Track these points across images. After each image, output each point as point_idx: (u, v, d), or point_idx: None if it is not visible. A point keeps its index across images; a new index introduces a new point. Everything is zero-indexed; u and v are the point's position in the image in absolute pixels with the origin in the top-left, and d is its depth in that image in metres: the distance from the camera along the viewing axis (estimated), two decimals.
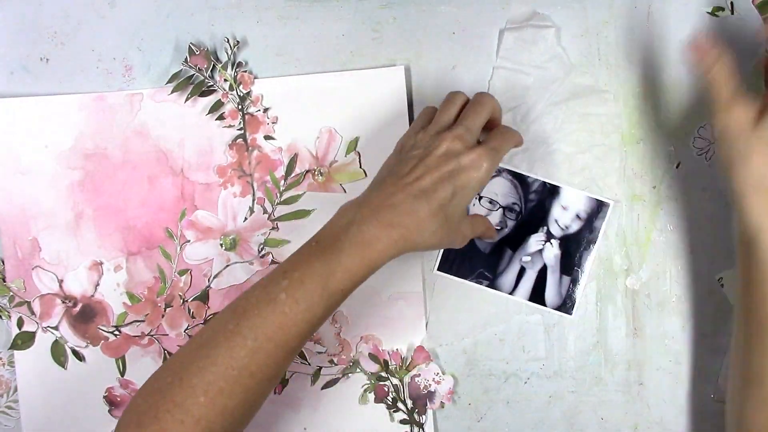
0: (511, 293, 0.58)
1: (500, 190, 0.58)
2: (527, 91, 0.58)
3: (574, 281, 0.58)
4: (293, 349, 0.45)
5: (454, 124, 0.50)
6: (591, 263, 0.58)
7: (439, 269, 0.59)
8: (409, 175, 0.48)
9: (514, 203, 0.58)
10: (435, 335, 0.59)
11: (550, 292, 0.58)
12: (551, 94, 0.58)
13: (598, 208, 0.57)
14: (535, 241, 0.58)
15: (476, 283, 0.58)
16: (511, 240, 0.58)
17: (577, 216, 0.58)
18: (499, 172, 0.58)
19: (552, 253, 0.58)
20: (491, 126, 0.53)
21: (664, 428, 0.58)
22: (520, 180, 0.58)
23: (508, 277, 0.58)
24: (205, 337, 0.45)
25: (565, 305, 0.58)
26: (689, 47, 0.49)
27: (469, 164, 0.48)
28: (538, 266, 0.58)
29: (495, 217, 0.58)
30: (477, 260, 0.58)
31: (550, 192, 0.58)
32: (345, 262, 0.45)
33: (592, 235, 0.58)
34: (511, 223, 0.58)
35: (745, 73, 0.57)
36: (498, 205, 0.58)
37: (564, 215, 0.58)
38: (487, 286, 0.58)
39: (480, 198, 0.58)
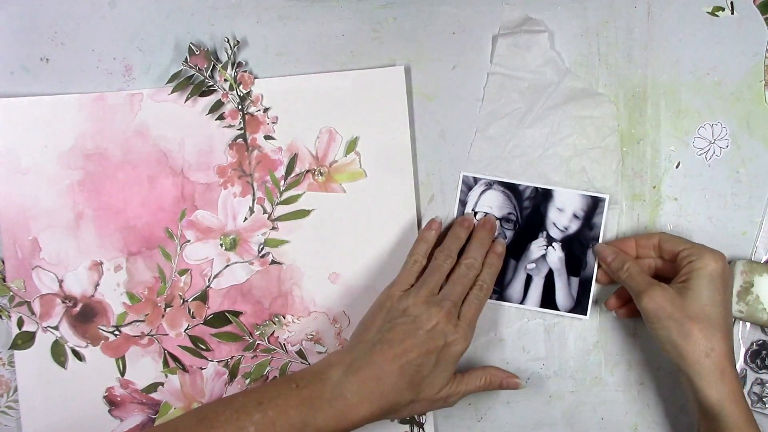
0: (521, 303, 0.58)
1: (494, 202, 0.58)
2: (522, 96, 0.58)
3: (585, 281, 0.58)
4: None
5: (440, 291, 0.53)
6: (595, 261, 0.57)
7: None
8: (398, 345, 0.49)
9: (509, 213, 0.58)
10: None
11: (561, 296, 0.58)
12: (546, 99, 0.58)
13: (595, 205, 0.57)
14: (536, 247, 0.58)
15: None
16: (512, 250, 0.58)
17: (575, 215, 0.58)
18: (490, 184, 0.58)
19: (556, 256, 0.58)
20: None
21: (664, 428, 0.58)
22: (511, 189, 0.58)
23: (516, 288, 0.58)
24: None
25: (578, 307, 0.58)
26: (598, 257, 0.56)
27: (453, 341, 0.51)
28: (544, 272, 0.58)
29: None
30: None
31: (544, 196, 0.58)
32: (319, 422, 0.47)
33: (592, 233, 0.58)
34: (509, 234, 0.58)
35: (744, 72, 0.57)
36: (494, 218, 0.58)
37: (561, 217, 0.58)
38: (496, 299, 0.58)
39: (475, 214, 0.58)
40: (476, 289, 0.54)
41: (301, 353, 0.59)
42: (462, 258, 0.55)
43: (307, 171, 0.58)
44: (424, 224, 0.58)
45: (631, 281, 0.52)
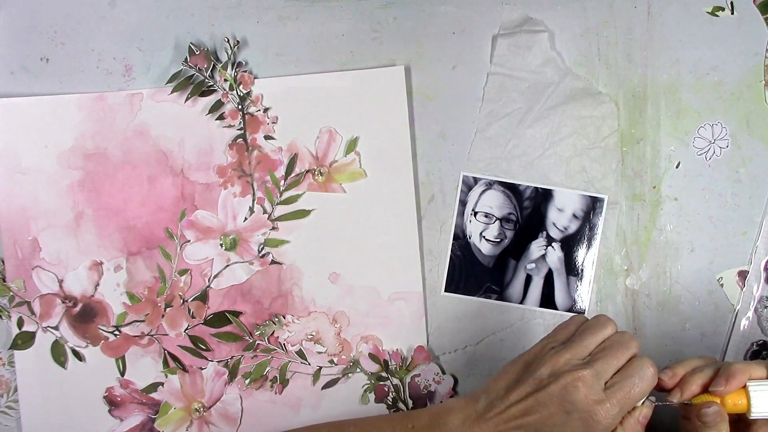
0: (520, 303, 0.58)
1: (494, 202, 0.58)
2: (522, 96, 0.58)
3: (582, 281, 0.58)
4: None
5: (588, 357, 0.46)
6: (595, 260, 0.58)
7: (446, 290, 0.58)
8: (515, 407, 0.45)
9: (510, 213, 0.58)
10: (439, 345, 0.59)
11: (560, 296, 0.58)
12: (546, 99, 0.58)
13: (594, 205, 0.58)
14: (536, 247, 0.58)
15: (485, 298, 0.58)
16: (512, 250, 0.58)
17: (574, 216, 0.58)
18: (490, 184, 0.58)
19: (555, 256, 0.58)
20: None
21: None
22: (511, 189, 0.58)
23: (516, 288, 0.58)
24: None
25: (577, 306, 0.58)
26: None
27: (590, 411, 0.44)
28: (544, 272, 0.58)
29: (493, 230, 0.58)
30: (482, 275, 0.58)
31: (544, 196, 0.58)
32: None
33: (592, 233, 0.58)
34: (510, 234, 0.58)
35: (744, 72, 0.57)
36: (494, 218, 0.58)
37: (561, 217, 0.58)
38: (496, 299, 0.58)
39: (475, 214, 0.58)
40: (636, 376, 0.45)
41: (301, 353, 0.59)
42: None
43: (307, 171, 0.58)
44: (423, 224, 0.58)
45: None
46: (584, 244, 0.58)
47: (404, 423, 0.48)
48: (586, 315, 0.58)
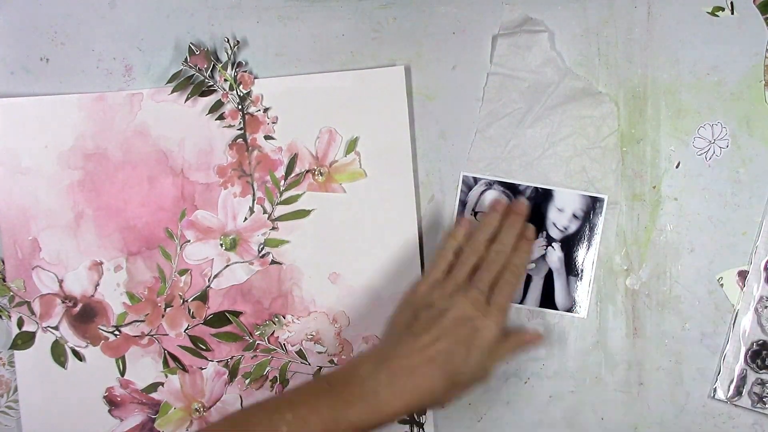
0: (521, 302, 0.58)
1: None
2: (522, 96, 0.58)
3: (582, 281, 0.58)
4: None
5: (468, 281, 0.52)
6: (595, 260, 0.58)
7: None
8: (424, 336, 0.49)
9: None
10: None
11: (560, 296, 0.58)
12: (546, 99, 0.58)
13: (594, 205, 0.57)
14: (536, 247, 0.58)
15: None
16: None
17: (574, 216, 0.58)
18: (490, 184, 0.58)
19: (555, 256, 0.58)
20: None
21: (664, 428, 0.58)
22: (512, 189, 0.58)
23: None
24: None
25: (577, 307, 0.58)
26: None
27: (482, 327, 0.49)
28: (544, 272, 0.58)
29: None
30: None
31: (544, 196, 0.58)
32: (352, 417, 0.46)
33: (592, 233, 0.58)
34: None
35: (744, 72, 0.57)
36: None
37: (561, 217, 0.58)
38: None
39: (475, 214, 0.58)
40: (507, 273, 0.52)
41: (301, 353, 0.59)
42: (492, 245, 0.53)
43: (307, 171, 0.58)
44: (423, 224, 0.58)
45: None
46: (584, 244, 0.58)
47: (320, 384, 0.49)
48: (585, 316, 0.58)
